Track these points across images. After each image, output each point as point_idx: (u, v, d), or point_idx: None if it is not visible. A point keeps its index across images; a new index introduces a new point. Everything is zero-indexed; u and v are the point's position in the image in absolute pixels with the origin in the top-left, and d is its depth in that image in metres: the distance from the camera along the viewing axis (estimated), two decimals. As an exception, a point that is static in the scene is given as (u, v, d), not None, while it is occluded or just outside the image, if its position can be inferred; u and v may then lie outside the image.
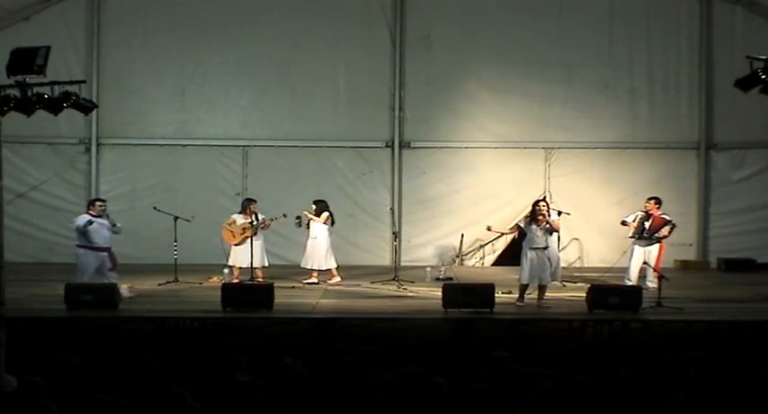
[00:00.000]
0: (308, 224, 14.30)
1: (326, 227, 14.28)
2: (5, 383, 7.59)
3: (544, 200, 12.55)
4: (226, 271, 14.17)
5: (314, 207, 14.33)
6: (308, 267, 14.34)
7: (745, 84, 10.05)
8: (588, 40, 17.42)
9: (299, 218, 14.28)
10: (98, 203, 12.61)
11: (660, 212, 13.62)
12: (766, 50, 10.16)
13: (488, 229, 13.45)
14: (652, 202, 13.65)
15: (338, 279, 14.39)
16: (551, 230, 12.03)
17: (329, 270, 14.38)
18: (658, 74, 17.49)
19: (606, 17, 17.43)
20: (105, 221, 12.44)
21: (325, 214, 14.25)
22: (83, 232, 12.25)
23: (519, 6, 17.41)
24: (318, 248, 14.22)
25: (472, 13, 17.39)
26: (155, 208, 14.83)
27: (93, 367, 8.21)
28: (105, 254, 12.43)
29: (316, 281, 14.28)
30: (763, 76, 9.72)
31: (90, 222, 12.23)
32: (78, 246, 12.42)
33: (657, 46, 17.45)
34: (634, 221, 13.58)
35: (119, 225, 12.71)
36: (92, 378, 7.76)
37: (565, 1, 17.45)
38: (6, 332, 8.32)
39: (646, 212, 13.57)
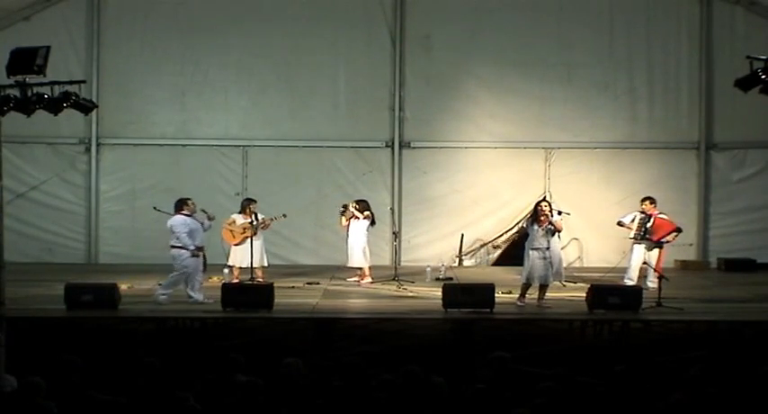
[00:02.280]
0: (348, 221, 14.49)
1: (365, 226, 14.46)
2: (5, 383, 7.59)
3: (545, 200, 12.50)
4: (226, 271, 14.17)
5: (356, 206, 14.52)
6: (350, 266, 14.58)
7: (745, 84, 10.04)
8: (588, 40, 17.41)
9: (344, 206, 14.55)
10: (190, 202, 12.29)
11: (658, 212, 13.64)
12: (766, 50, 10.15)
13: (495, 246, 13.41)
14: (647, 202, 13.67)
15: (369, 280, 14.48)
16: (554, 231, 12.00)
17: (362, 269, 14.52)
18: (658, 74, 17.48)
19: (606, 17, 17.42)
20: (202, 220, 12.33)
21: (366, 212, 14.49)
22: (186, 234, 12.02)
23: (519, 6, 17.40)
24: (355, 247, 14.40)
25: (472, 13, 17.39)
26: (155, 208, 14.73)
27: (93, 367, 8.21)
28: (201, 254, 12.25)
29: (358, 279, 14.51)
30: (763, 76, 9.71)
31: (187, 226, 12.06)
32: (175, 247, 12.10)
33: (657, 46, 17.45)
34: (632, 222, 13.58)
35: (210, 223, 12.54)
36: (92, 378, 7.75)
37: (565, 1, 17.45)
38: (6, 332, 8.32)
39: (645, 213, 13.57)
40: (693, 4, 17.39)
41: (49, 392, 6.83)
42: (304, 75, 17.43)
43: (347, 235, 14.57)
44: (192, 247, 12.00)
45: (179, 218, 12.17)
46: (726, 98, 16.49)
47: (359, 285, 14.31)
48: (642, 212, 13.61)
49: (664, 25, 17.45)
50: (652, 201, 13.70)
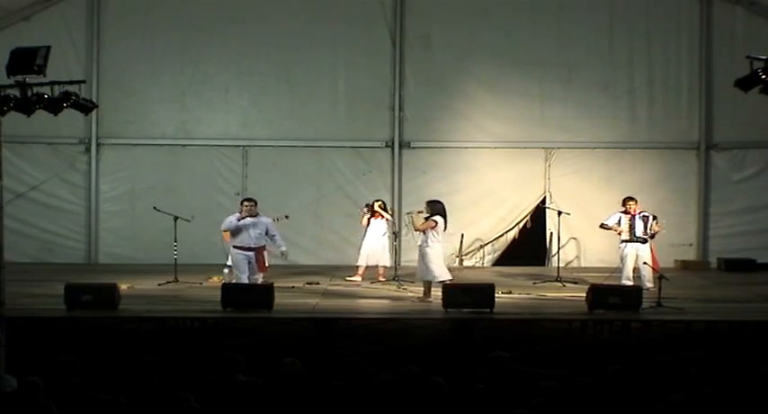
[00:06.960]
0: (369, 221, 14.64)
1: (386, 225, 14.77)
2: (5, 383, 7.59)
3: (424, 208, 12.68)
4: (226, 271, 14.15)
5: (381, 205, 14.74)
6: (371, 264, 14.69)
7: (745, 84, 10.05)
8: (588, 40, 17.42)
9: (369, 206, 14.76)
10: (245, 203, 12.66)
11: (640, 211, 13.59)
12: (766, 50, 10.15)
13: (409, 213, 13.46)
14: (631, 202, 13.63)
15: (383, 279, 14.60)
16: (416, 229, 12.71)
17: (376, 267, 14.72)
18: (658, 74, 17.49)
19: (606, 17, 17.43)
20: (250, 221, 12.45)
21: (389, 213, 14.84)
22: (231, 231, 12.45)
23: (519, 6, 17.42)
24: (380, 246, 14.65)
25: (472, 13, 17.39)
26: (155, 208, 14.83)
27: (93, 367, 8.21)
28: (251, 254, 12.49)
29: (360, 279, 14.63)
30: (763, 76, 9.71)
31: (231, 223, 12.43)
32: (232, 245, 12.70)
33: (657, 46, 17.45)
34: (617, 224, 13.53)
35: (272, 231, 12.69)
36: (92, 378, 7.75)
37: (565, 1, 17.46)
38: (6, 332, 8.32)
39: (629, 214, 13.53)
40: (693, 4, 17.39)
41: (48, 392, 6.83)
42: (304, 74, 17.44)
43: (365, 234, 14.69)
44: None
45: (233, 215, 12.75)
46: (726, 98, 16.48)
47: (359, 285, 14.31)
48: (625, 212, 13.57)
49: (664, 25, 17.46)
50: (635, 200, 13.68)
